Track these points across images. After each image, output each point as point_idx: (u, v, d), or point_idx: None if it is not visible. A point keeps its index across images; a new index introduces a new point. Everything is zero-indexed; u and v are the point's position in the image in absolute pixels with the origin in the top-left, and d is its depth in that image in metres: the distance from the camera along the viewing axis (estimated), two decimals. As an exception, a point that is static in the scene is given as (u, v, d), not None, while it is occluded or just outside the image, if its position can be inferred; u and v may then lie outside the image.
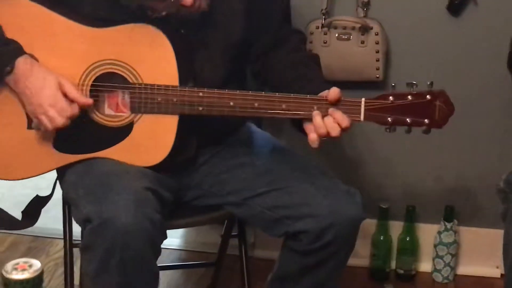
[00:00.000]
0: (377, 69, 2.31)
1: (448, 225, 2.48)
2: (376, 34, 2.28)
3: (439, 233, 2.51)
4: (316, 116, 1.70)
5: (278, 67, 1.91)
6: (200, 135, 1.87)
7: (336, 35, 2.29)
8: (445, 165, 2.49)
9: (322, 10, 2.31)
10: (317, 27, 2.30)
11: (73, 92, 1.74)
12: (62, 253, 2.09)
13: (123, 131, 1.79)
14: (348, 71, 2.31)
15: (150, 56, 1.76)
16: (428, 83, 1.67)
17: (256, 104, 1.74)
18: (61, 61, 1.78)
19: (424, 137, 1.73)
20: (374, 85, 2.34)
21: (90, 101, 1.76)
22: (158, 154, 1.78)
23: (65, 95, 1.74)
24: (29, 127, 1.82)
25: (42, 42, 1.79)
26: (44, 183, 2.06)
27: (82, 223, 1.69)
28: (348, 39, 2.29)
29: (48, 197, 1.93)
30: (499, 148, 2.45)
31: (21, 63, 1.75)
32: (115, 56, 1.77)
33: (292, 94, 1.73)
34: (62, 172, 1.87)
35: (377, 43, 2.29)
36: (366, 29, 2.28)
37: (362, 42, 2.29)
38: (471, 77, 2.39)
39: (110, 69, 1.78)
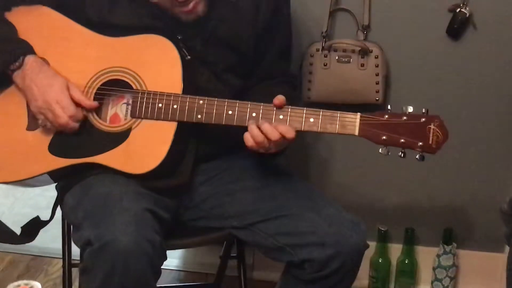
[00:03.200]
0: (377, 92, 2.32)
1: (447, 248, 2.48)
2: (376, 57, 2.30)
3: (438, 256, 2.50)
4: (251, 125, 1.71)
5: (254, 96, 1.90)
6: (198, 150, 1.88)
7: (336, 57, 2.31)
8: (443, 187, 2.49)
9: (322, 32, 2.33)
10: (318, 50, 2.32)
11: (78, 95, 1.80)
12: (60, 272, 2.10)
13: (120, 137, 1.81)
14: (347, 93, 2.32)
15: (157, 65, 1.81)
16: (424, 110, 1.68)
17: (254, 114, 1.75)
18: (71, 65, 1.85)
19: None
20: (373, 107, 2.34)
21: (95, 103, 1.81)
22: (150, 162, 1.79)
23: (71, 97, 1.79)
24: (29, 128, 1.85)
25: (55, 46, 1.86)
26: (44, 201, 2.08)
27: (82, 246, 1.69)
28: (348, 62, 2.30)
29: (48, 221, 1.94)
30: (497, 171, 2.46)
31: (31, 60, 1.82)
32: (123, 64, 1.82)
33: (290, 107, 1.73)
34: (61, 196, 1.89)
35: (377, 66, 2.30)
36: (366, 52, 2.29)
37: (362, 65, 2.30)
38: (469, 100, 2.40)
39: (118, 76, 1.83)
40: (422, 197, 2.52)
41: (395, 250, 2.55)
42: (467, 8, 2.26)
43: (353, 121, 1.70)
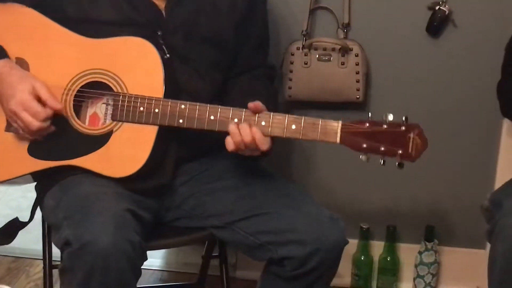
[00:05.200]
0: (357, 90, 2.32)
1: (429, 245, 2.49)
2: (356, 55, 2.30)
3: (420, 253, 2.52)
4: (232, 125, 1.73)
5: (234, 93, 1.94)
6: (179, 152, 1.87)
7: (317, 56, 2.31)
8: (424, 185, 2.50)
9: (302, 31, 2.33)
10: (298, 48, 2.32)
11: (45, 95, 1.77)
12: (42, 274, 2.08)
13: (101, 140, 1.80)
14: (328, 92, 2.32)
15: (139, 68, 1.80)
16: (403, 118, 1.69)
17: (236, 120, 1.75)
18: (51, 67, 1.82)
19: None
20: (354, 106, 2.35)
21: (59, 106, 1.78)
22: (131, 166, 1.78)
23: (38, 98, 1.76)
24: (7, 129, 1.84)
25: (34, 47, 1.84)
26: (26, 203, 2.07)
27: (62, 247, 1.68)
28: (329, 60, 2.31)
29: (27, 223, 1.92)
30: (477, 170, 2.47)
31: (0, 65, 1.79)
32: (104, 66, 1.80)
33: (271, 114, 1.74)
34: (40, 197, 1.87)
35: (357, 64, 2.30)
36: (346, 51, 2.29)
37: (343, 63, 2.30)
38: (449, 98, 2.41)
39: (98, 78, 1.81)
40: (404, 194, 2.53)
41: (377, 247, 2.56)
42: (446, 6, 2.28)
43: (335, 129, 1.71)
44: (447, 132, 2.43)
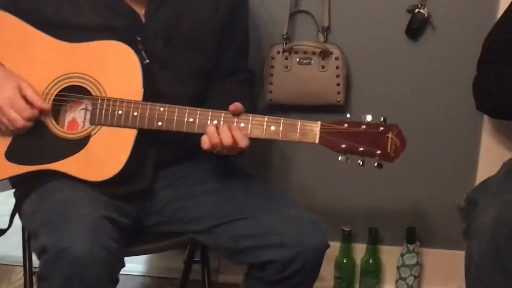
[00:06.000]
0: (338, 93, 2.33)
1: (411, 247, 2.50)
2: (337, 58, 2.31)
3: (402, 255, 2.52)
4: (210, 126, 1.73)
5: (214, 97, 1.94)
6: (158, 156, 1.87)
7: (297, 59, 2.31)
8: (405, 188, 2.51)
9: (283, 35, 2.33)
10: (278, 52, 2.32)
11: (31, 95, 1.77)
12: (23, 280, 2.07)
13: (79, 144, 1.79)
14: (309, 95, 2.33)
15: (117, 72, 1.79)
16: (382, 119, 1.70)
17: (215, 122, 1.75)
18: (30, 71, 1.82)
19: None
20: (335, 109, 2.36)
21: (46, 106, 1.78)
22: (110, 170, 1.77)
23: (24, 98, 1.76)
24: None
25: (12, 51, 1.83)
26: (5, 209, 2.04)
27: (39, 253, 1.67)
28: (309, 63, 2.31)
29: (5, 230, 1.91)
30: (457, 172, 2.48)
31: None
32: (82, 70, 1.80)
33: (251, 115, 1.74)
34: (19, 204, 1.87)
35: (337, 67, 2.31)
36: (326, 54, 2.30)
37: (323, 67, 2.31)
38: (429, 100, 2.42)
39: (76, 82, 1.81)
40: (385, 197, 2.53)
41: (359, 250, 2.56)
42: (425, 9, 2.29)
43: (314, 130, 1.72)
44: (427, 134, 2.44)
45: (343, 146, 1.70)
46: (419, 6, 2.29)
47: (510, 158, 2.17)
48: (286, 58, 2.32)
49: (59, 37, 1.82)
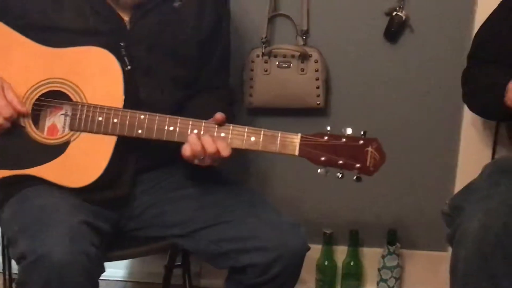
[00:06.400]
0: (318, 96, 2.33)
1: (391, 249, 2.51)
2: (316, 61, 2.31)
3: (383, 257, 2.53)
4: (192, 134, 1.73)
5: (193, 108, 1.92)
6: (138, 163, 1.87)
7: (277, 63, 2.32)
8: (385, 190, 2.52)
9: (262, 38, 2.34)
10: (258, 56, 2.33)
11: (11, 96, 1.76)
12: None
13: (58, 150, 1.78)
14: (289, 98, 2.33)
15: (99, 78, 1.78)
16: (362, 132, 1.70)
17: (195, 131, 1.74)
18: (10, 75, 1.81)
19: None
20: (315, 112, 2.37)
21: (23, 108, 1.77)
22: (89, 176, 1.76)
23: (4, 98, 1.76)
24: None
25: None
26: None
27: (18, 260, 1.66)
28: (288, 67, 2.32)
29: None
30: (438, 174, 2.50)
31: None
32: (63, 76, 1.79)
33: (231, 125, 1.74)
34: None
35: (316, 70, 2.32)
36: (305, 57, 2.31)
37: (302, 70, 2.31)
38: (408, 102, 2.43)
39: (57, 87, 1.80)
40: (366, 199, 2.54)
41: (341, 252, 2.57)
42: (403, 12, 2.30)
43: (294, 142, 1.72)
44: (407, 136, 2.45)
45: (323, 158, 1.71)
46: (397, 9, 2.30)
47: (492, 161, 2.18)
48: (266, 62, 2.32)
49: (43, 40, 1.81)
